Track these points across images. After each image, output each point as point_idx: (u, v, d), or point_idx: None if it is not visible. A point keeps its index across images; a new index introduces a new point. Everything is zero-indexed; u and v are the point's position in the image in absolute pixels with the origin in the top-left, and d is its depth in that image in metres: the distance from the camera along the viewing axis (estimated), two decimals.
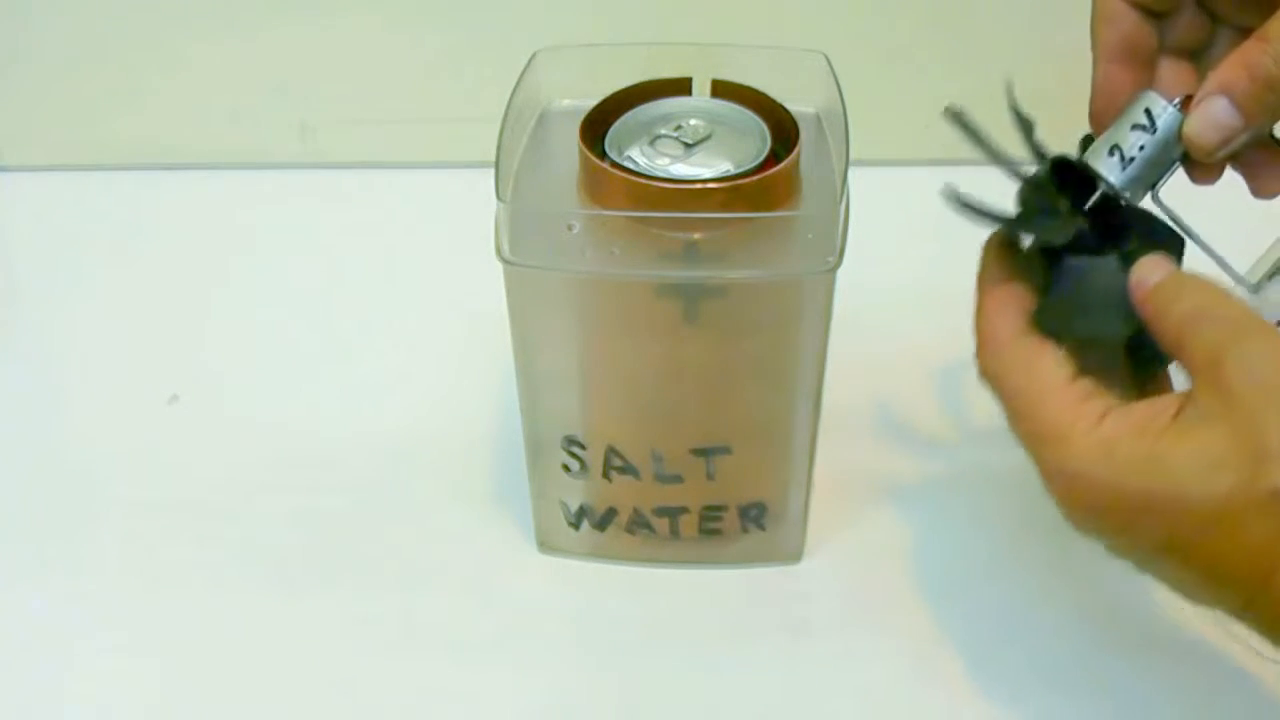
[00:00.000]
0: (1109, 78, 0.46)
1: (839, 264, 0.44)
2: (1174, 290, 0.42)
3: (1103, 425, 0.40)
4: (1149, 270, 0.42)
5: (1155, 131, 0.43)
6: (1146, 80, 0.46)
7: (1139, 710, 0.49)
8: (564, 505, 0.53)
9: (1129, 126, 0.44)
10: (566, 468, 0.51)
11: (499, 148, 0.45)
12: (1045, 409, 0.41)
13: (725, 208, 0.44)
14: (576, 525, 0.53)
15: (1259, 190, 0.46)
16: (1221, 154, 0.43)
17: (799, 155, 0.45)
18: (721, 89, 0.48)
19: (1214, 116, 0.43)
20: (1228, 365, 0.38)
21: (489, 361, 0.57)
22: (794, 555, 0.54)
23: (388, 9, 0.71)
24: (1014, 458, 0.57)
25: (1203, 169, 0.45)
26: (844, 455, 0.56)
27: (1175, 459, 0.38)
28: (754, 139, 0.46)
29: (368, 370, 0.63)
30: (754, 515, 0.52)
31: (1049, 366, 0.42)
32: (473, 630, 0.52)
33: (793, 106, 0.47)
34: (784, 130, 0.46)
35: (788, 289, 0.47)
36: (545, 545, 0.54)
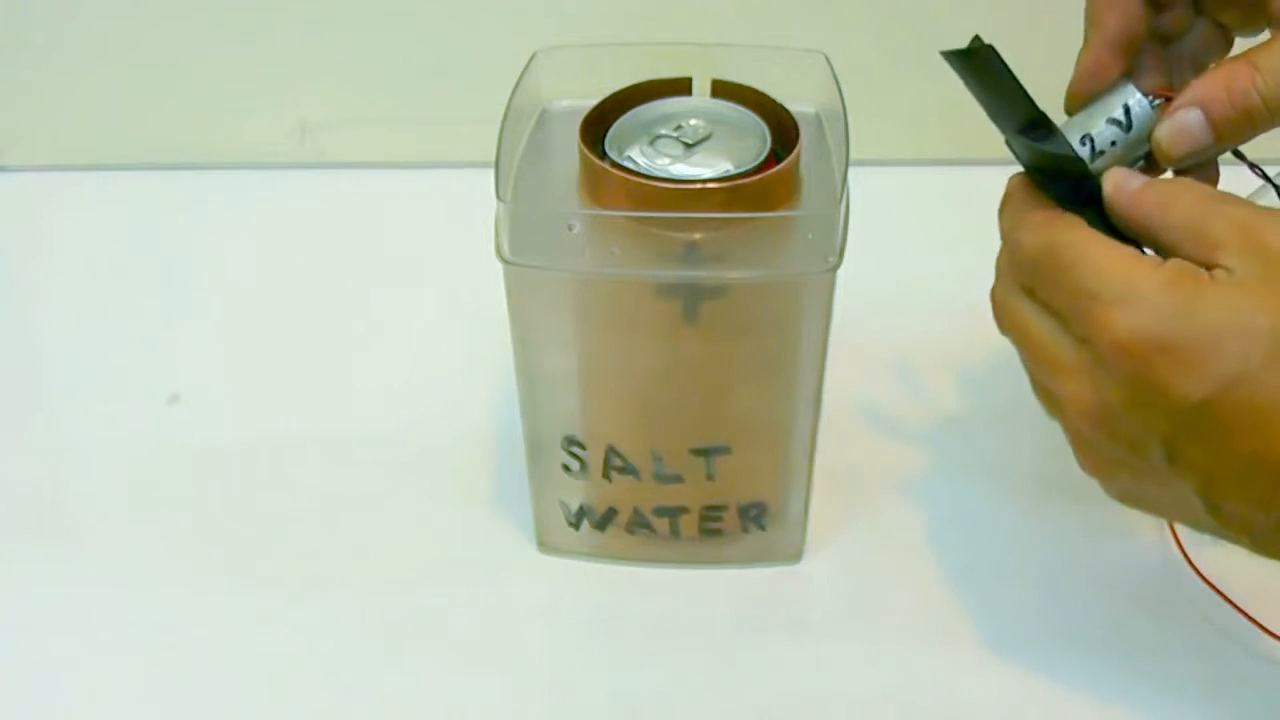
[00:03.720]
0: (1099, 63, 0.46)
1: (839, 264, 0.44)
2: (1172, 186, 0.42)
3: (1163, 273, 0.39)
4: (1124, 177, 0.43)
5: (1130, 130, 0.44)
6: (1130, 67, 0.46)
7: (1140, 712, 0.49)
8: (564, 505, 0.53)
9: (1104, 119, 0.44)
10: (566, 468, 0.51)
11: (499, 148, 0.45)
12: (1108, 264, 0.40)
13: (725, 208, 0.44)
14: (576, 525, 0.53)
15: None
16: (1184, 164, 0.44)
17: (799, 155, 0.45)
18: (721, 89, 0.48)
19: (1187, 129, 0.43)
20: (1266, 232, 0.39)
21: (489, 361, 0.57)
22: (794, 555, 0.54)
23: (388, 9, 0.71)
24: (1014, 459, 0.58)
25: (1158, 169, 0.45)
26: (844, 455, 0.56)
27: (1223, 308, 0.38)
28: (754, 139, 0.46)
29: (367, 370, 0.63)
30: (754, 515, 0.52)
31: (1097, 234, 0.41)
32: (473, 630, 0.52)
33: (793, 106, 0.47)
34: (784, 130, 0.46)
35: (788, 289, 0.47)
36: (545, 545, 0.54)
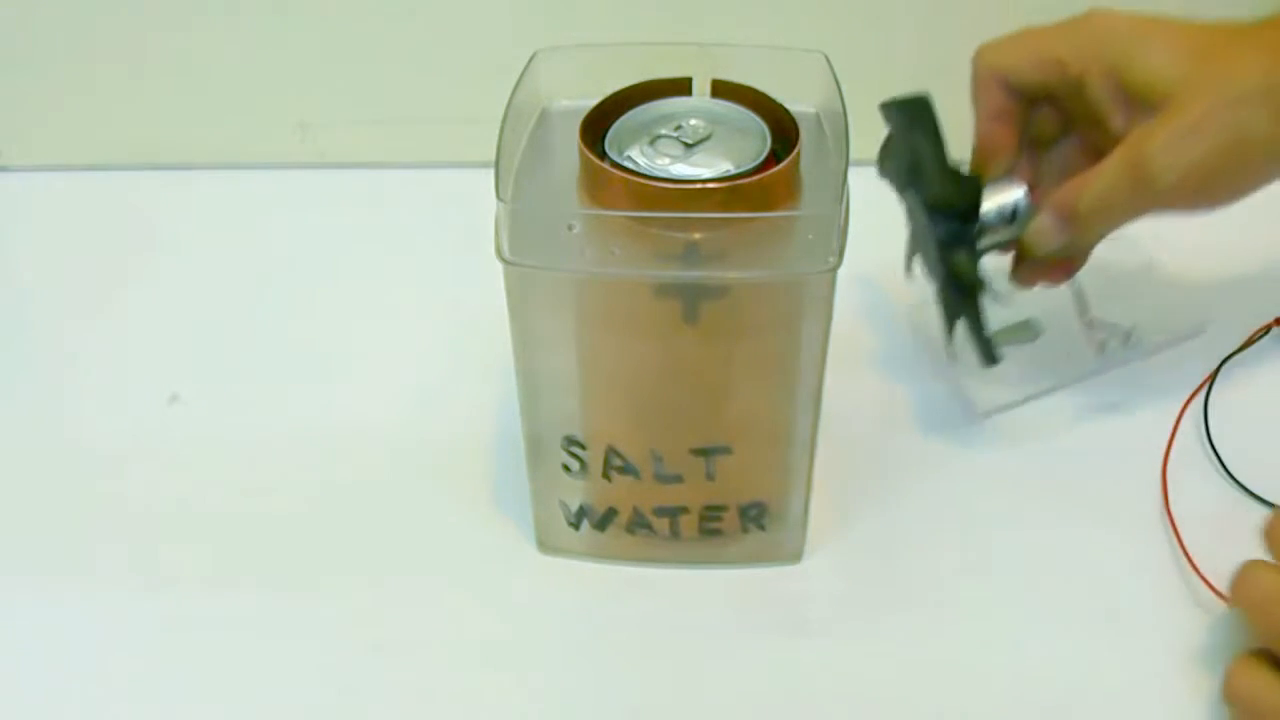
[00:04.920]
0: (990, 134, 0.55)
1: (839, 264, 0.44)
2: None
3: None
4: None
5: (1012, 221, 0.54)
6: (1020, 136, 0.55)
7: (1141, 713, 0.49)
8: (564, 505, 0.53)
9: (996, 209, 0.54)
10: (566, 468, 0.51)
11: (499, 148, 0.45)
12: None
13: (725, 208, 0.44)
14: (576, 525, 0.53)
15: (1018, 280, 0.56)
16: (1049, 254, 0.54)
17: (799, 155, 0.45)
18: (721, 89, 0.48)
19: (1044, 231, 0.53)
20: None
21: (489, 361, 0.57)
22: (794, 555, 0.54)
23: (388, 10, 0.71)
24: (1014, 458, 0.58)
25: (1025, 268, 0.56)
26: (844, 455, 0.56)
27: None
28: (754, 139, 0.46)
29: (367, 370, 0.63)
30: (754, 515, 0.52)
31: None
32: (473, 630, 0.52)
33: (793, 106, 0.47)
34: (784, 130, 0.46)
35: (788, 289, 0.47)
36: (545, 545, 0.54)
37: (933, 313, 0.57)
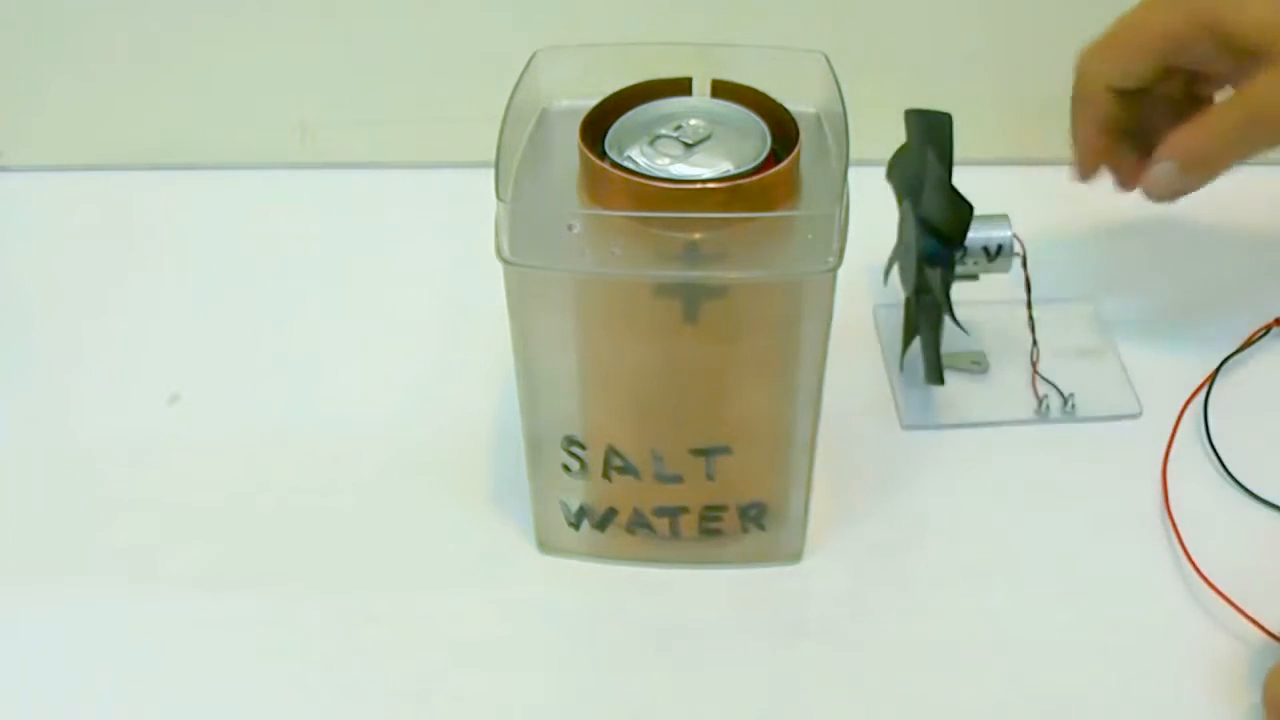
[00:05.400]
0: (1090, 143, 0.57)
1: (839, 264, 0.44)
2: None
3: None
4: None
5: (992, 260, 0.57)
6: (1120, 145, 0.57)
7: (1141, 714, 0.49)
8: (564, 505, 0.53)
9: (981, 243, 0.57)
10: (566, 468, 0.51)
11: (499, 148, 0.45)
12: None
13: (725, 208, 0.44)
14: (576, 525, 0.53)
15: (1123, 186, 0.58)
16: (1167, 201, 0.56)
17: (799, 155, 0.45)
18: (721, 89, 0.48)
19: (1163, 176, 0.55)
20: None
21: (489, 361, 0.57)
22: (794, 555, 0.54)
23: (387, 9, 0.71)
24: (1015, 458, 0.58)
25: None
26: (844, 455, 0.56)
27: None
28: (754, 139, 0.46)
29: (367, 370, 0.63)
30: (754, 515, 0.52)
31: None
32: (473, 630, 0.52)
33: (793, 106, 0.47)
34: (784, 130, 0.46)
35: (788, 289, 0.47)
36: (545, 545, 0.54)
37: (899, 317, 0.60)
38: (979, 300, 0.59)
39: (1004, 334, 0.61)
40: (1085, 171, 0.58)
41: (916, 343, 0.59)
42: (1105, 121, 0.57)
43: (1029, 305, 0.59)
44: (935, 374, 0.58)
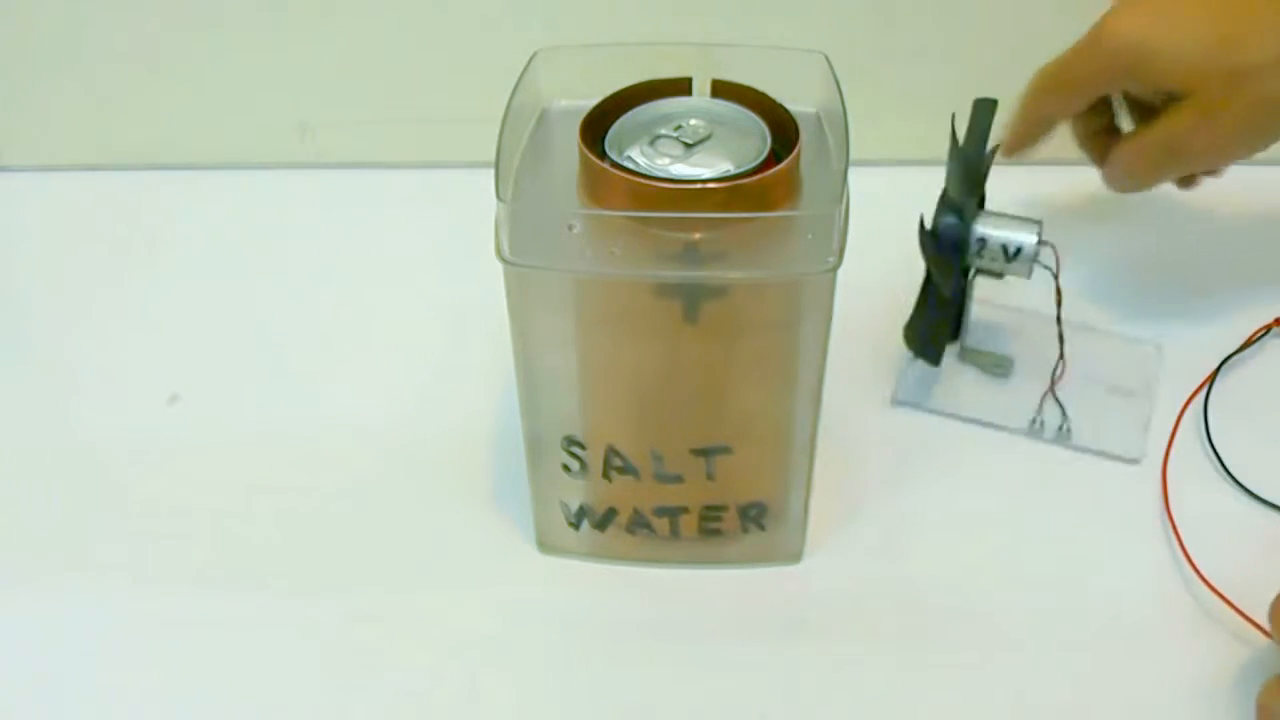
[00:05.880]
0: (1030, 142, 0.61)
1: (839, 264, 0.44)
2: None
3: None
4: None
5: (1011, 260, 0.56)
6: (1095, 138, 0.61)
7: (1141, 714, 0.49)
8: (564, 505, 0.53)
9: (1001, 241, 0.56)
10: (566, 468, 0.51)
11: (499, 148, 0.45)
12: None
13: (725, 208, 0.44)
14: (576, 525, 0.53)
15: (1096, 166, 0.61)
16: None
17: (799, 155, 0.45)
18: (721, 89, 0.48)
19: (1113, 182, 0.60)
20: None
21: (489, 361, 0.57)
22: (794, 555, 0.54)
23: (387, 10, 0.71)
24: (1014, 459, 0.58)
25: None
26: (844, 455, 0.56)
27: None
28: (754, 139, 0.46)
29: (367, 370, 0.63)
30: (754, 515, 0.52)
31: None
32: (473, 630, 0.52)
33: (793, 106, 0.47)
34: (784, 130, 0.46)
35: (788, 289, 0.47)
36: (545, 545, 0.54)
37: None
38: (1030, 309, 0.60)
39: (1040, 348, 0.60)
40: (1013, 149, 0.61)
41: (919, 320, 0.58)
42: (1043, 135, 0.60)
43: (1059, 320, 0.58)
44: (928, 354, 0.58)
